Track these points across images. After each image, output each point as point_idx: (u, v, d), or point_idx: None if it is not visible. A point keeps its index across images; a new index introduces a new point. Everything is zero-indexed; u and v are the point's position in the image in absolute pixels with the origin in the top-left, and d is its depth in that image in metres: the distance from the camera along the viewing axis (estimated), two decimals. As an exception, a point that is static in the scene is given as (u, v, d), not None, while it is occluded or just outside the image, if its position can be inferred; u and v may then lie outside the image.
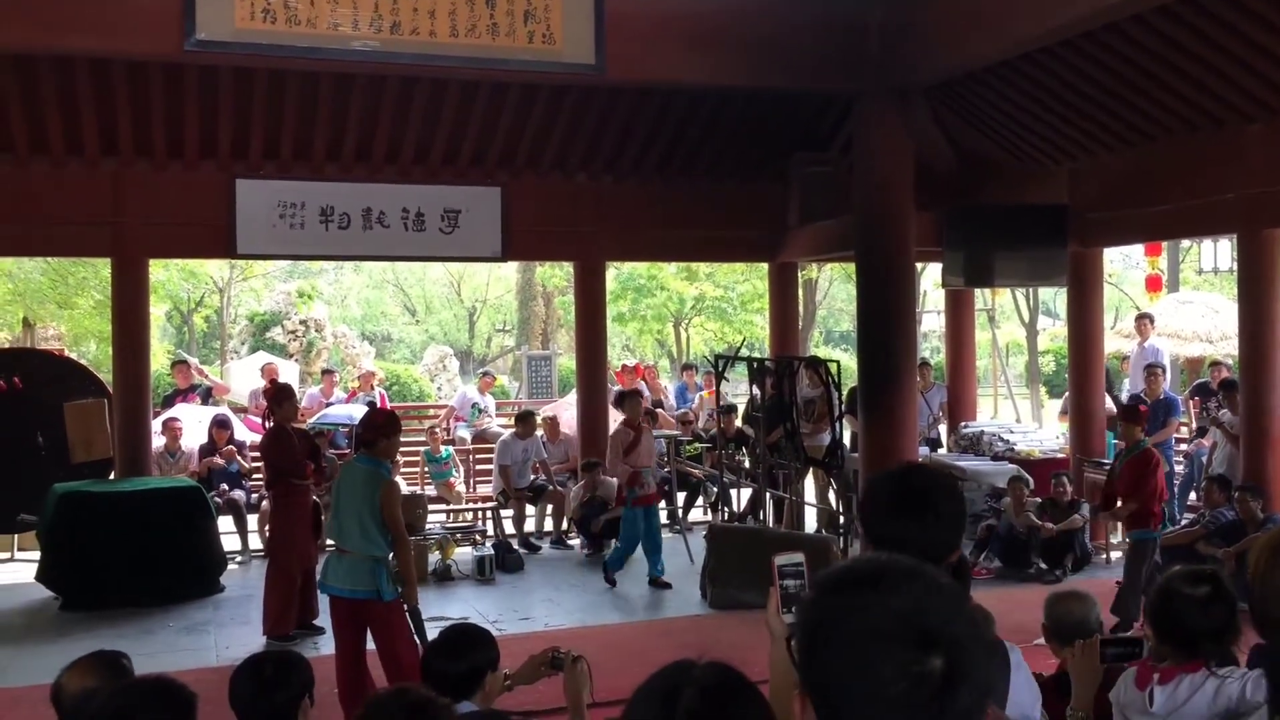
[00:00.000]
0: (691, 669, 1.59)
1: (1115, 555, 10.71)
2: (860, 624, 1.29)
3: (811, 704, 1.34)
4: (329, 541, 7.17)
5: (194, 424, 12.10)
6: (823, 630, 1.33)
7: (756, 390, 11.21)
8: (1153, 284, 18.12)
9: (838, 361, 11.02)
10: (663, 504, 11.13)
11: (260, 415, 13.11)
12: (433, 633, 7.47)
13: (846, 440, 11.41)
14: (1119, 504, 8.26)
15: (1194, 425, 12.14)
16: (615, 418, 13.39)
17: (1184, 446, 12.21)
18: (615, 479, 11.82)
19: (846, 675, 1.29)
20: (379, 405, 13.20)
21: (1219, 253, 16.86)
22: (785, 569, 2.13)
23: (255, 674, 3.22)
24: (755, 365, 11.42)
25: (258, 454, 12.11)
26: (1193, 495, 11.33)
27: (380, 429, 6.32)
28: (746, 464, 11.98)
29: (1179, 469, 11.74)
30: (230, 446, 11.61)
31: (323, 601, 7.98)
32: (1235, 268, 11.28)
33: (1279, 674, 2.79)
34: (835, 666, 1.30)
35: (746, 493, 12.23)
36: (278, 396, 8.69)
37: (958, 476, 10.94)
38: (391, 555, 6.10)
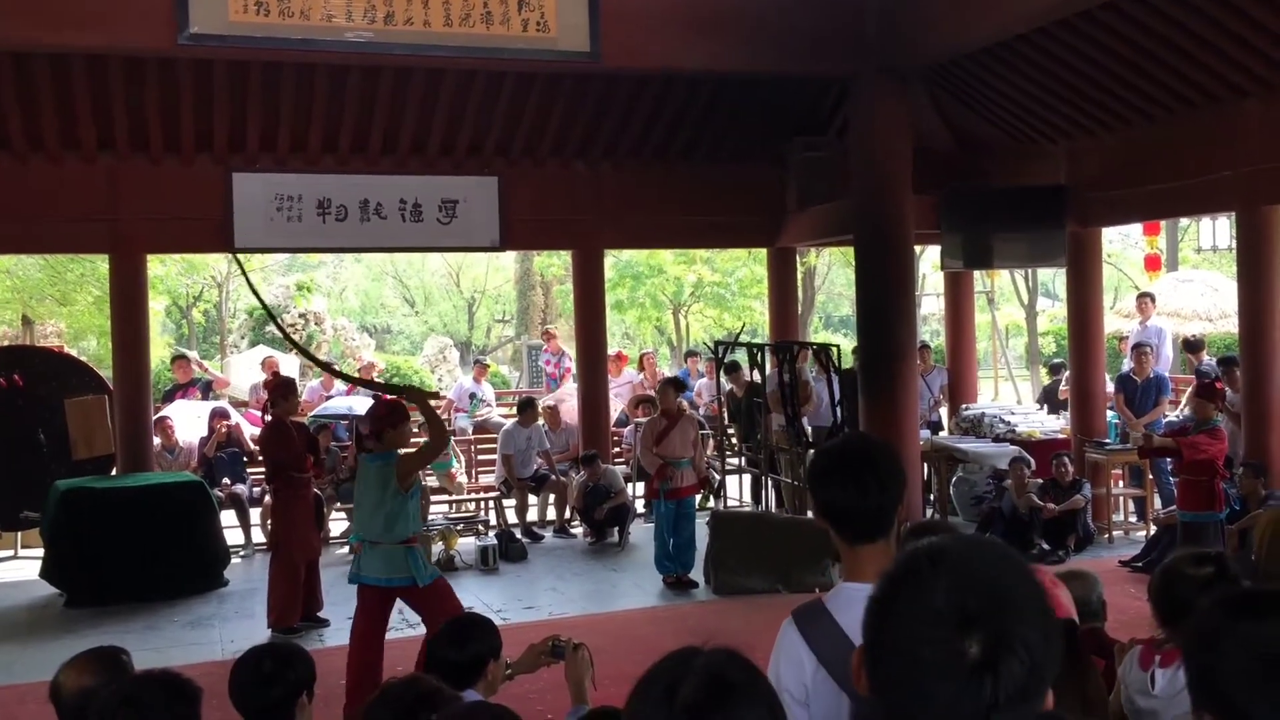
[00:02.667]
0: (695, 658, 1.59)
1: (1117, 534, 10.74)
2: (911, 599, 1.33)
3: (865, 666, 1.38)
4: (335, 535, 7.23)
5: (192, 419, 12.09)
6: (883, 600, 1.37)
7: (757, 376, 11.21)
8: (1152, 263, 18.10)
9: (838, 346, 11.03)
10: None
11: (260, 409, 13.13)
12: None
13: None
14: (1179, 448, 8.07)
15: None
16: (615, 406, 13.43)
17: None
18: (621, 469, 11.88)
19: (896, 646, 1.33)
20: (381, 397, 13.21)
21: (1218, 231, 16.86)
22: None
23: (255, 668, 3.21)
24: (755, 351, 11.43)
25: (258, 447, 12.16)
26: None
27: (384, 419, 6.45)
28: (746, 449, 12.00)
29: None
30: (227, 428, 11.60)
31: (341, 592, 8.01)
32: (1234, 245, 11.27)
33: None
34: (887, 637, 1.34)
35: (747, 478, 12.25)
36: (279, 391, 8.68)
37: (959, 458, 10.97)
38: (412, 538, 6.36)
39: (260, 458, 11.92)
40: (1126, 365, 11.60)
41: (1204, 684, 1.64)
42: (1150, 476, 10.86)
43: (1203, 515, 7.94)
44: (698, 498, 10.48)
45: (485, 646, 3.56)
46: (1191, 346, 12.58)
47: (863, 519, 2.37)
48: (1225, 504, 8.07)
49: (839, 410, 10.49)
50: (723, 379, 12.36)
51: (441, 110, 10.72)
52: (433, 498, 11.42)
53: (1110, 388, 11.63)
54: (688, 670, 1.56)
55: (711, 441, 12.50)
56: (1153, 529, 10.02)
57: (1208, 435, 8.00)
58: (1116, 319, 15.98)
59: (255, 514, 11.30)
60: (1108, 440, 11.23)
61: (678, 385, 10.16)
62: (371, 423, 6.61)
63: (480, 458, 13.20)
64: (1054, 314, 28.66)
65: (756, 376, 11.33)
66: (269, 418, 8.83)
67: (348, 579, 6.79)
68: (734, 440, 12.23)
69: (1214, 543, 7.58)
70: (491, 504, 11.96)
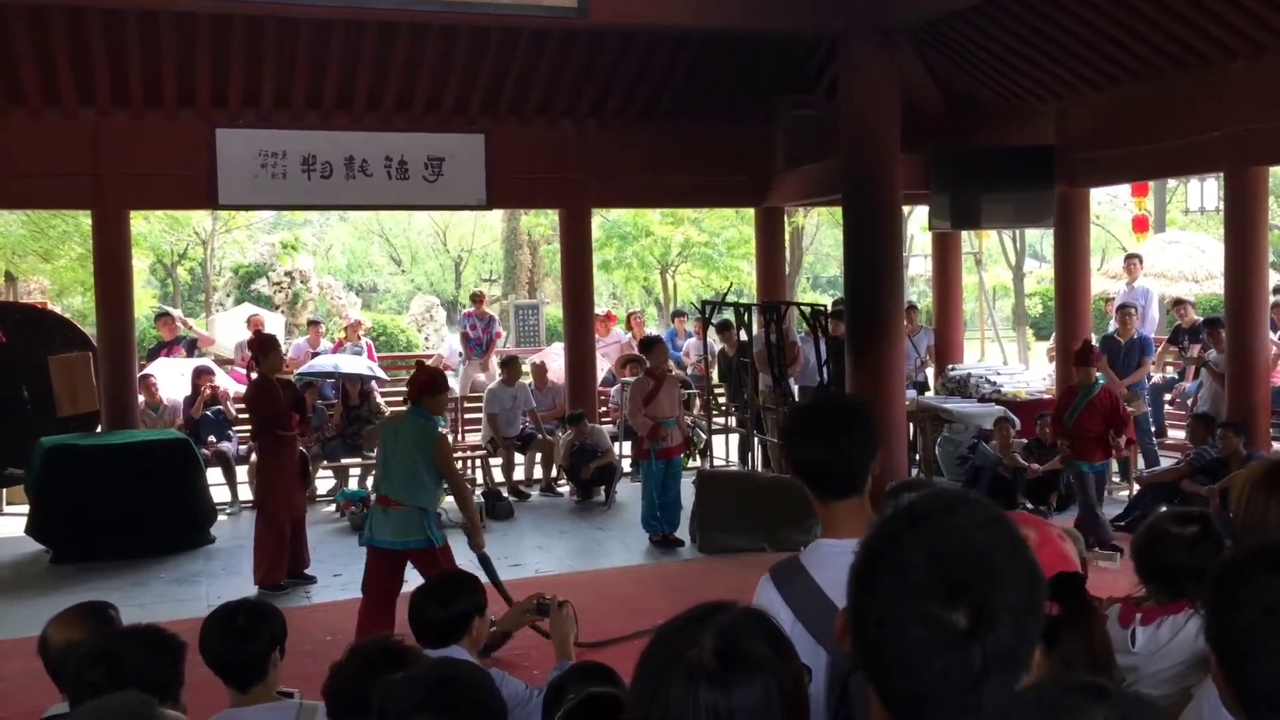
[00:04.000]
0: (716, 614, 1.53)
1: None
2: (894, 568, 1.30)
3: (850, 631, 1.36)
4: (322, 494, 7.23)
5: (176, 377, 12.05)
6: (865, 567, 1.34)
7: (745, 336, 11.21)
8: (1139, 224, 18.12)
9: (825, 307, 11.03)
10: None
11: (245, 366, 13.10)
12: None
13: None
14: (1117, 438, 8.66)
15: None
16: (602, 366, 13.44)
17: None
18: (608, 429, 11.90)
19: (881, 615, 1.30)
20: (366, 356, 13.20)
21: (1205, 193, 16.87)
22: None
23: (227, 623, 3.19)
24: (742, 311, 11.42)
25: (243, 405, 12.14)
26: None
27: (424, 386, 6.60)
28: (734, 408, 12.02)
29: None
30: (212, 387, 11.58)
31: (328, 549, 8.02)
32: (1222, 207, 11.27)
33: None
34: (871, 605, 1.32)
35: (734, 438, 12.28)
36: (262, 347, 8.65)
37: (945, 418, 11.01)
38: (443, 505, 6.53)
39: (244, 415, 11.96)
40: (1113, 326, 11.63)
41: (1215, 627, 1.73)
42: (1134, 437, 10.90)
43: (1099, 465, 8.70)
44: (682, 457, 10.49)
45: (469, 603, 3.58)
46: (1213, 324, 12.41)
47: (837, 476, 2.39)
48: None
49: (825, 370, 10.50)
50: (712, 338, 12.36)
51: (427, 67, 10.62)
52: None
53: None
54: (700, 635, 1.50)
55: (698, 401, 12.52)
56: (1135, 488, 10.08)
57: (1106, 398, 8.55)
58: (1104, 280, 16.00)
59: (242, 472, 11.29)
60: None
61: (659, 341, 10.21)
62: (411, 388, 6.74)
63: (467, 417, 13.21)
64: (1041, 275, 28.70)
65: (744, 336, 11.33)
66: (255, 375, 8.80)
67: (359, 541, 6.82)
68: (721, 400, 12.25)
69: (1103, 488, 8.65)
70: (478, 463, 11.98)
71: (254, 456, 11.34)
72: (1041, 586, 1.34)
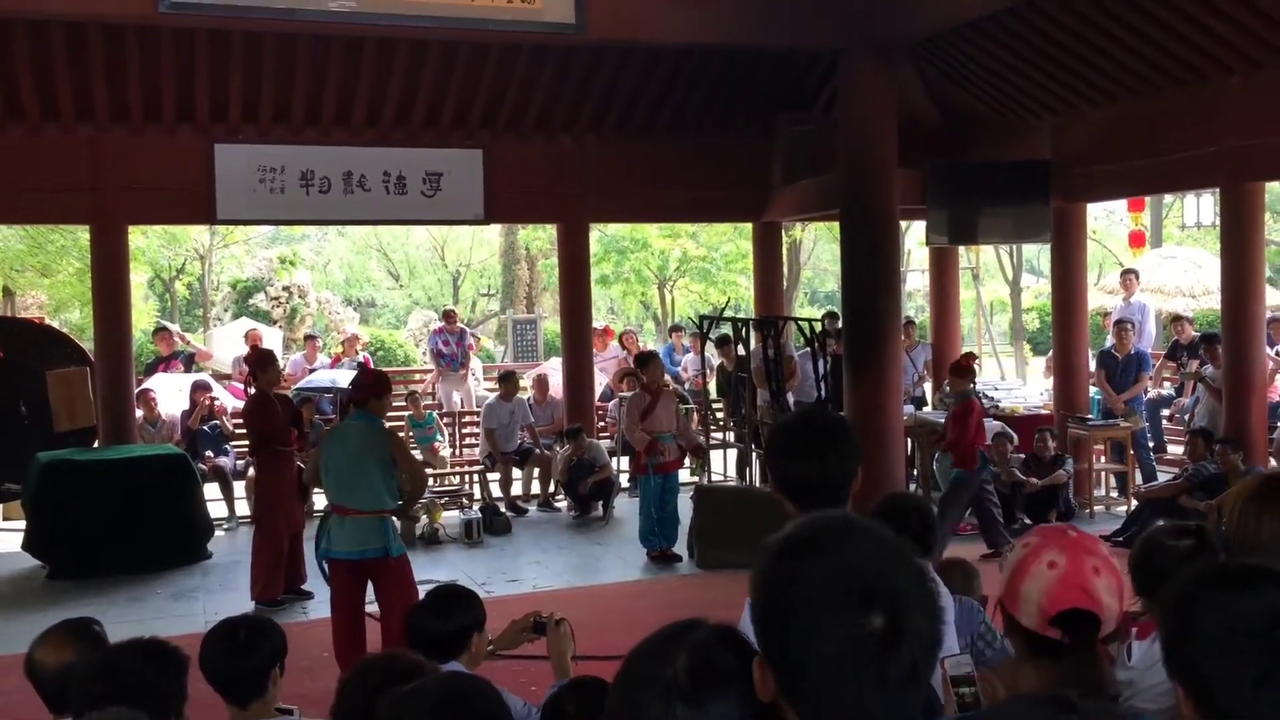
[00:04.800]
0: (690, 632, 1.56)
1: (1099, 509, 10.81)
2: (803, 588, 1.32)
3: (770, 671, 1.37)
4: (318, 506, 7.21)
5: (174, 392, 12.04)
6: (769, 597, 1.36)
7: (742, 350, 11.21)
8: (1136, 240, 18.14)
9: (823, 321, 11.03)
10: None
11: (243, 381, 13.08)
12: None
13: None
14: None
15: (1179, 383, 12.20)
16: (601, 381, 13.43)
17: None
18: (606, 444, 11.89)
19: (795, 640, 1.32)
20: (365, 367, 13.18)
21: (1201, 208, 16.90)
22: (958, 678, 2.23)
23: (228, 638, 3.18)
24: (740, 326, 11.42)
25: (241, 421, 12.12)
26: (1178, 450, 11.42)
27: (370, 388, 6.43)
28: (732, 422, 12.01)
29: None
30: (208, 402, 11.56)
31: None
32: (1218, 223, 11.30)
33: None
34: (784, 632, 1.34)
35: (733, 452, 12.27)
36: (260, 362, 8.64)
37: (941, 434, 10.99)
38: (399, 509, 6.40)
39: (240, 430, 11.94)
40: (1110, 341, 11.64)
41: (1174, 652, 1.68)
42: (1131, 452, 10.92)
43: (962, 474, 8.96)
44: (685, 471, 10.50)
45: (469, 618, 3.54)
46: (1210, 340, 12.45)
47: (822, 491, 2.40)
48: (980, 465, 9.03)
49: (824, 385, 10.50)
50: (710, 353, 12.35)
51: (426, 82, 10.64)
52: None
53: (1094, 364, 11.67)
54: (680, 647, 1.53)
55: (696, 416, 12.51)
56: (1133, 504, 10.08)
57: (962, 409, 8.92)
58: (1100, 295, 16.02)
59: (239, 487, 11.28)
60: (1090, 416, 11.28)
61: (655, 356, 10.24)
62: (356, 390, 6.57)
63: (464, 431, 13.21)
64: (1038, 290, 28.73)
65: (741, 351, 11.33)
66: (252, 390, 8.79)
67: (316, 555, 6.71)
68: (719, 415, 12.24)
69: (967, 496, 8.92)
70: (476, 477, 11.96)
71: (251, 471, 11.35)
72: (939, 609, 1.37)
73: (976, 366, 9.94)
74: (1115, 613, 2.10)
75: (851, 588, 1.30)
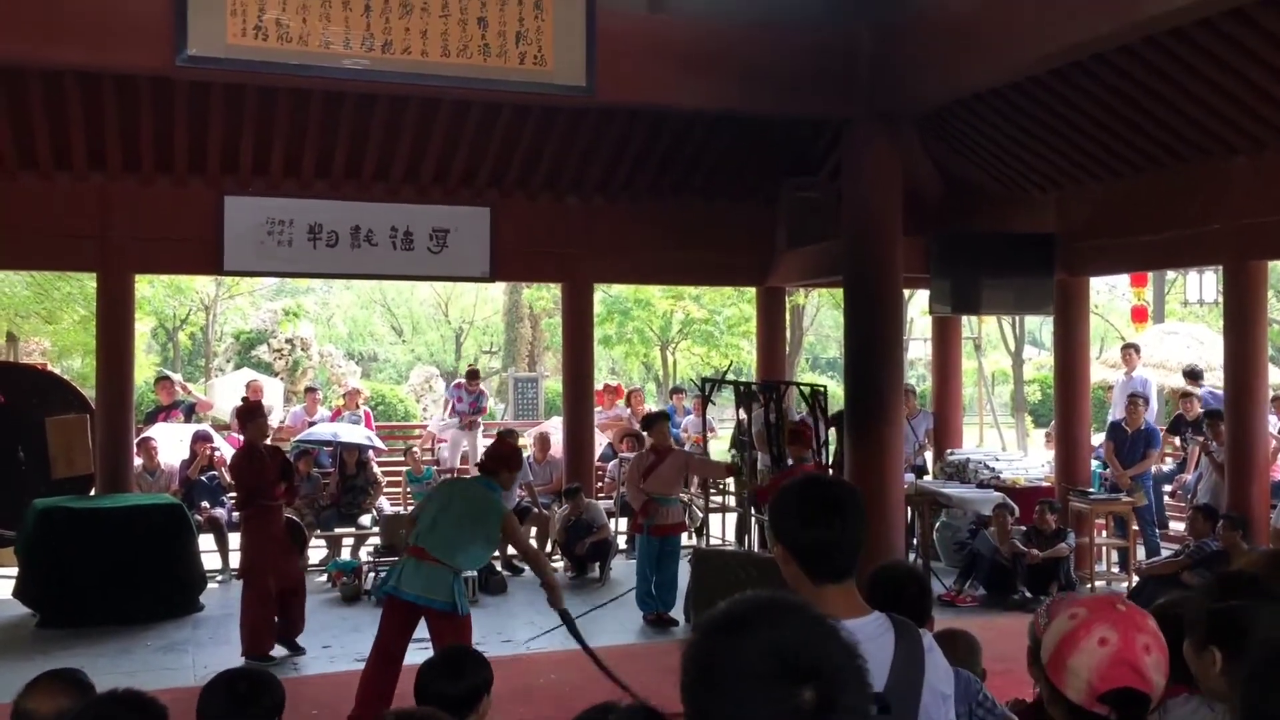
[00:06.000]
0: (607, 716, 1.61)
1: (1100, 584, 10.71)
2: (733, 664, 1.34)
3: None
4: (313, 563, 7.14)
5: (174, 442, 12.01)
6: (700, 672, 1.37)
7: (743, 414, 11.19)
8: (1138, 314, 18.20)
9: (825, 387, 11.02)
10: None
11: (240, 433, 13.06)
12: (414, 654, 7.39)
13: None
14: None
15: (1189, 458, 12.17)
16: (601, 441, 13.40)
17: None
18: (605, 504, 11.83)
19: (726, 714, 1.33)
20: (364, 424, 13.17)
21: (1204, 285, 16.98)
22: None
23: (229, 690, 3.17)
24: (742, 389, 11.41)
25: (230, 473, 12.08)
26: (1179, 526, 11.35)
27: (504, 460, 6.66)
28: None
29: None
30: (209, 452, 11.52)
31: (318, 620, 7.91)
32: (1221, 300, 11.33)
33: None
34: (714, 707, 1.35)
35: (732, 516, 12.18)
36: (246, 414, 8.59)
37: (943, 503, 10.95)
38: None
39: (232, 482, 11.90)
40: (1112, 414, 11.61)
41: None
42: (1135, 528, 10.85)
43: None
44: (686, 536, 10.44)
45: (480, 679, 3.57)
46: (1192, 375, 12.67)
47: (834, 558, 2.40)
48: None
49: (825, 451, 10.46)
50: (711, 415, 12.33)
51: (436, 139, 10.74)
52: (414, 527, 11.31)
53: (1095, 439, 11.63)
54: None
55: (696, 479, 12.46)
56: (1135, 579, 10.00)
57: (787, 474, 8.98)
58: (1102, 369, 16.02)
59: (234, 539, 11.20)
60: (1092, 489, 11.23)
61: (664, 418, 10.17)
62: (490, 459, 6.74)
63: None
64: (1040, 362, 28.76)
65: (743, 415, 11.31)
66: (241, 443, 8.73)
67: (379, 590, 6.70)
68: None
69: None
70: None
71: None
72: (869, 691, 1.39)
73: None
74: (1161, 689, 2.10)
75: (783, 663, 1.31)
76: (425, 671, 3.62)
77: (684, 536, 10.46)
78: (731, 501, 12.03)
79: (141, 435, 11.79)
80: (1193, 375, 12.78)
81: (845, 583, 2.40)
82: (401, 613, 6.27)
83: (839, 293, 11.75)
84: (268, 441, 8.87)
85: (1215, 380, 13.77)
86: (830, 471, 10.11)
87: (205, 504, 11.19)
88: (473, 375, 14.43)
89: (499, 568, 11.10)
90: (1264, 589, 2.41)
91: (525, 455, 12.18)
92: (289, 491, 8.69)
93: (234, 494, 11.61)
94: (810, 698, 1.29)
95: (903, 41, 8.92)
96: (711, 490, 12.09)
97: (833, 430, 10.70)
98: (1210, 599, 2.40)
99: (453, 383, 14.49)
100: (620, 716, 1.57)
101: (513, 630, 9.11)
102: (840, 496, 2.47)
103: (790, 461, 9.39)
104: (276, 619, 8.35)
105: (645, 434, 10.04)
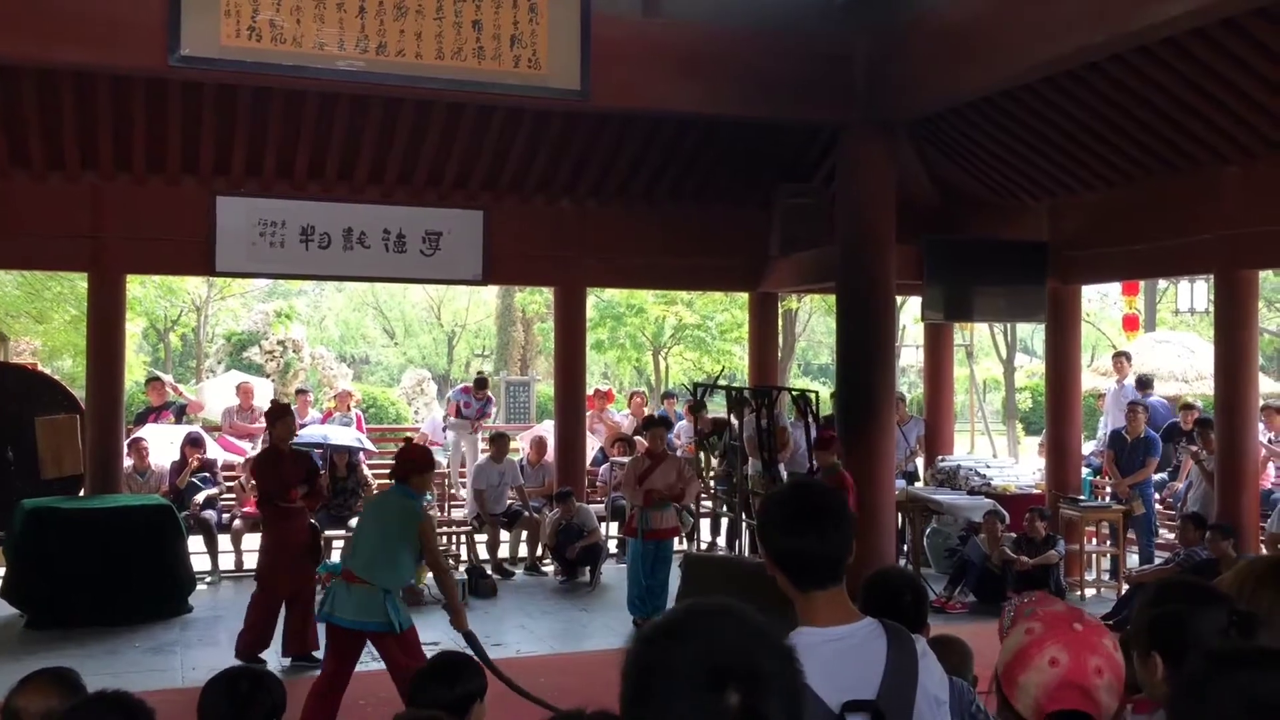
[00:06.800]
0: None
1: (1090, 592, 10.73)
2: (664, 671, 1.35)
3: None
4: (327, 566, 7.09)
5: (164, 443, 11.97)
6: (632, 678, 1.39)
7: (735, 420, 11.18)
8: (1130, 323, 18.25)
9: (816, 393, 11.02)
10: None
11: (234, 434, 13.04)
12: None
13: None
14: None
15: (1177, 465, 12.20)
16: (593, 444, 13.39)
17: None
18: (596, 509, 11.82)
19: (653, 718, 1.35)
20: (355, 427, 13.14)
21: (1195, 294, 17.02)
22: None
23: (230, 689, 3.16)
24: (734, 394, 11.41)
25: (232, 473, 12.04)
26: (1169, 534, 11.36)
27: (413, 464, 6.32)
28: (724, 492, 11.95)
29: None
30: (196, 463, 11.46)
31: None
32: (1211, 309, 11.36)
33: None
34: (643, 711, 1.36)
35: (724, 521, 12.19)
36: (272, 415, 8.49)
37: (934, 510, 10.96)
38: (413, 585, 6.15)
39: (230, 482, 11.86)
40: (1105, 422, 11.61)
41: None
42: (1131, 535, 10.85)
43: None
44: (677, 541, 10.41)
45: (474, 686, 3.58)
46: (1142, 384, 12.72)
47: (821, 564, 2.39)
48: None
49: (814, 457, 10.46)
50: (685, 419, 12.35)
51: (430, 142, 10.74)
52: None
53: (1085, 447, 11.64)
54: None
55: (699, 483, 12.45)
56: (1125, 587, 10.02)
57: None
58: (1094, 377, 16.07)
59: (224, 540, 11.18)
60: (1082, 497, 11.25)
61: (666, 424, 10.14)
62: (399, 465, 6.43)
63: (453, 491, 13.12)
64: (1031, 369, 28.81)
65: (734, 420, 11.30)
66: (265, 443, 8.62)
67: (318, 616, 6.61)
68: (712, 481, 12.17)
69: None
70: (463, 539, 11.87)
71: (236, 524, 11.25)
72: (801, 676, 1.40)
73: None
74: (1112, 710, 2.09)
75: (708, 668, 1.32)
76: (420, 677, 3.62)
77: (676, 541, 10.44)
78: (724, 507, 12.02)
79: (133, 436, 11.75)
80: (1143, 384, 12.82)
81: (831, 589, 2.39)
82: (341, 639, 6.13)
83: (832, 299, 11.76)
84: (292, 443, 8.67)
85: (1205, 388, 13.82)
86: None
87: (196, 501, 11.13)
88: (481, 384, 14.17)
89: (489, 571, 11.08)
90: (1205, 593, 2.42)
91: (519, 458, 12.18)
92: (310, 496, 8.43)
93: (226, 497, 11.64)
94: (734, 703, 1.29)
95: (898, 48, 8.94)
96: (703, 495, 12.08)
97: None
98: (1152, 605, 2.40)
99: (458, 386, 14.28)
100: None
101: (502, 634, 9.10)
102: (822, 504, 2.46)
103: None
104: (280, 625, 8.24)
105: (640, 437, 10.00)
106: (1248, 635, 2.25)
